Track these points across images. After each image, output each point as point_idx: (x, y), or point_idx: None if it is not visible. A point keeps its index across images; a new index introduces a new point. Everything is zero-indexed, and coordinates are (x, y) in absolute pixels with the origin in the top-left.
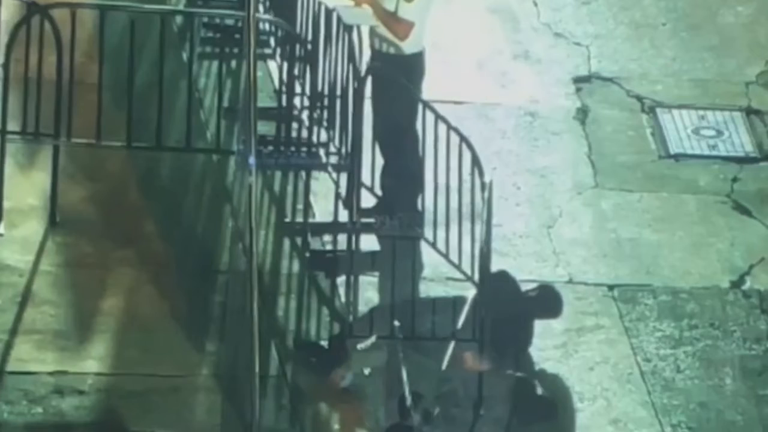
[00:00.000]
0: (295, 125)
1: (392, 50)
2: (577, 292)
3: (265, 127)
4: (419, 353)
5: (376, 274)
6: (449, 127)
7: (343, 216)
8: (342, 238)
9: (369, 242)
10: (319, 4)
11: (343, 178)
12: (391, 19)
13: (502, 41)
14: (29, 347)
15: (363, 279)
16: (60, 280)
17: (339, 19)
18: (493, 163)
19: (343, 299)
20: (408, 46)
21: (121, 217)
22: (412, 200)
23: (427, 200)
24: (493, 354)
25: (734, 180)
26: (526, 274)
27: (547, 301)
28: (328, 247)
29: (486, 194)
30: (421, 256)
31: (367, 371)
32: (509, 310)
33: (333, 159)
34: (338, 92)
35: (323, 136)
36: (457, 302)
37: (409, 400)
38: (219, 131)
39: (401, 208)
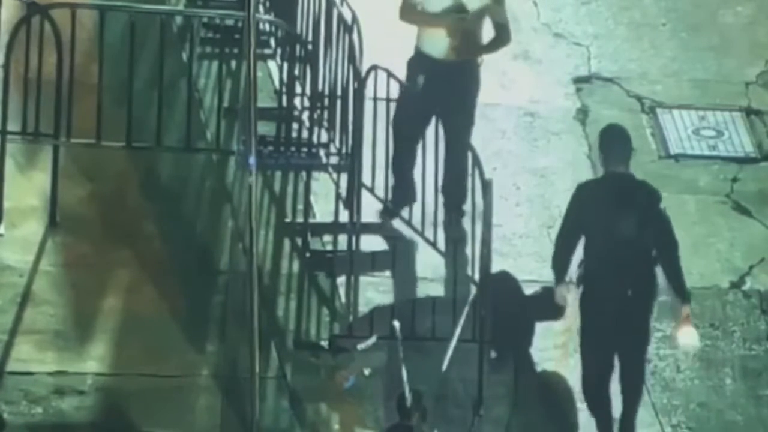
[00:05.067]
0: (295, 125)
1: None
2: (577, 292)
3: (265, 128)
4: (419, 353)
5: (376, 274)
6: None
7: (344, 216)
8: (342, 239)
9: (369, 242)
10: (320, 4)
11: (344, 178)
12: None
13: None
14: (29, 347)
15: (363, 279)
16: (60, 280)
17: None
18: (493, 163)
19: (343, 299)
20: None
21: (121, 217)
22: (461, 201)
23: (428, 200)
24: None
25: (734, 180)
26: (526, 274)
27: (549, 303)
28: (328, 247)
29: (486, 194)
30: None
31: (367, 372)
32: (511, 311)
33: (333, 159)
34: (338, 92)
35: (323, 137)
36: (457, 302)
37: (409, 400)
38: (219, 131)
39: (453, 209)
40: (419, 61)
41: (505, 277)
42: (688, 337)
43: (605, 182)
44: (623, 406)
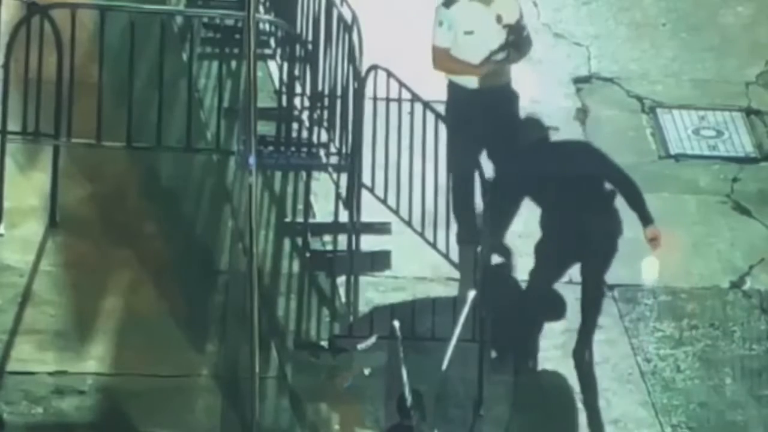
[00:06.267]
0: (295, 125)
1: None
2: (577, 292)
3: (265, 127)
4: (419, 353)
5: (376, 274)
6: None
7: (344, 216)
8: (342, 239)
9: (369, 242)
10: (320, 4)
11: (344, 178)
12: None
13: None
14: (29, 347)
15: (363, 279)
16: (60, 280)
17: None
18: None
19: (343, 299)
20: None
21: (121, 217)
22: None
23: (428, 200)
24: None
25: (734, 180)
26: (526, 274)
27: (551, 304)
28: (329, 247)
29: (486, 194)
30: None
31: (367, 371)
32: (513, 311)
33: (333, 159)
34: (338, 92)
35: (323, 137)
36: (457, 302)
37: (409, 400)
38: (219, 131)
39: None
40: (459, 94)
41: (506, 277)
42: (650, 268)
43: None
44: (582, 317)
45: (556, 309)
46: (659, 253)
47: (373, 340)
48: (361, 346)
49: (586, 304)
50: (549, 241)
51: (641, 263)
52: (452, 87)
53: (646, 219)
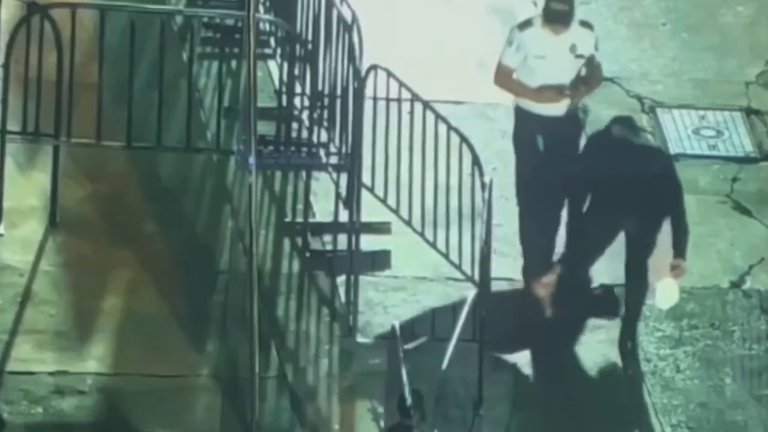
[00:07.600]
0: (295, 125)
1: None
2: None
3: (265, 127)
4: (419, 353)
5: (376, 274)
6: (449, 127)
7: (344, 216)
8: (342, 238)
9: (369, 242)
10: (319, 4)
11: (344, 178)
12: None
13: (502, 41)
14: (29, 347)
15: (363, 279)
16: (60, 280)
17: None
18: (493, 163)
19: (343, 299)
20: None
21: (121, 217)
22: None
23: (428, 200)
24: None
25: (734, 180)
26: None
27: (607, 302)
28: (328, 247)
29: (486, 194)
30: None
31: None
32: (571, 307)
33: (333, 159)
34: (338, 92)
35: (323, 136)
36: (456, 303)
37: (409, 400)
38: (219, 131)
39: None
40: (526, 119)
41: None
42: (666, 289)
43: None
44: (626, 307)
45: (612, 307)
46: (659, 253)
47: (422, 340)
48: (409, 345)
49: (629, 294)
50: (592, 235)
51: (657, 285)
52: (518, 110)
53: (681, 252)
